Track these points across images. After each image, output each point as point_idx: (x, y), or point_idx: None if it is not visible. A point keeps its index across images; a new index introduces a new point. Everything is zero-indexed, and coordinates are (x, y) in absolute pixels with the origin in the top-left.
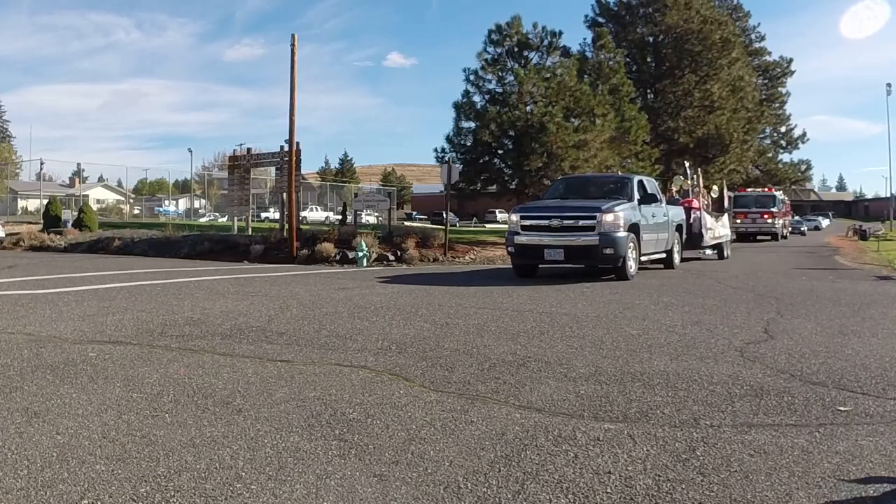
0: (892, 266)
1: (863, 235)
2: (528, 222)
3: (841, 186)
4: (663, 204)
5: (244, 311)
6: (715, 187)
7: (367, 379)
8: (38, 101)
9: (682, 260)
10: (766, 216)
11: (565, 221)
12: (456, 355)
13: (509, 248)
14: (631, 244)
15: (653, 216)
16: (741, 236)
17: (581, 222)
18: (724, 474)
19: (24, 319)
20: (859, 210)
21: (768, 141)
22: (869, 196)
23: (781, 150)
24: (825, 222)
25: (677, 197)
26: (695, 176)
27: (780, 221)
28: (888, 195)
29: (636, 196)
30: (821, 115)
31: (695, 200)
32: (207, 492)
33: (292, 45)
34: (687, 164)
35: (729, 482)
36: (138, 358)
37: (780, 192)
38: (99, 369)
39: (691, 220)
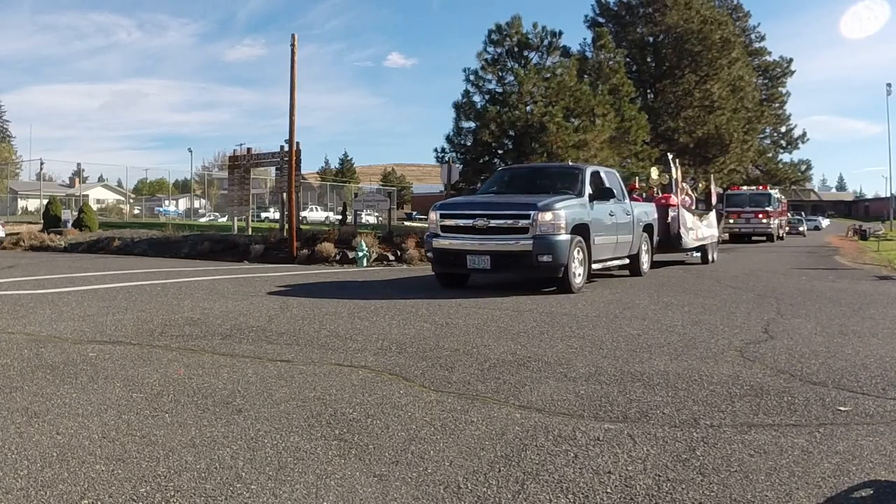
0: (892, 266)
1: (863, 235)
2: (449, 221)
3: (841, 186)
4: (626, 200)
5: (244, 311)
6: (702, 183)
7: (367, 379)
8: (38, 101)
9: (662, 264)
10: (760, 216)
11: (493, 221)
12: (456, 355)
13: (428, 253)
14: (577, 249)
15: (610, 215)
16: (735, 237)
17: (512, 222)
18: (724, 474)
19: (24, 319)
20: (859, 210)
21: (768, 141)
22: (869, 196)
23: (781, 150)
24: (825, 222)
25: (658, 193)
26: (674, 169)
27: (776, 221)
28: (888, 195)
29: (587, 190)
30: (821, 115)
31: (672, 197)
32: (207, 492)
33: (292, 44)
34: (670, 156)
35: (729, 482)
36: (138, 358)
37: (776, 190)
38: (99, 369)
39: (669, 220)
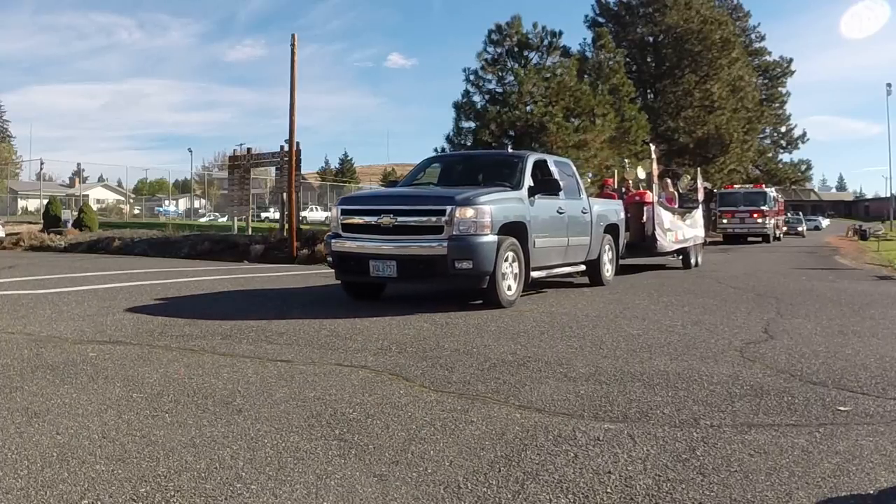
0: (892, 266)
1: (863, 235)
2: (350, 219)
3: (841, 186)
4: (583, 196)
5: (244, 311)
6: (686, 177)
7: (367, 379)
8: (38, 101)
9: (640, 269)
10: (755, 215)
11: (401, 219)
12: (456, 355)
13: (328, 258)
14: (509, 253)
15: (559, 212)
16: (728, 238)
17: (424, 220)
18: (724, 474)
19: (24, 319)
20: (859, 210)
21: (768, 141)
22: (869, 196)
23: (781, 150)
24: (825, 222)
25: (638, 187)
26: (650, 161)
27: (773, 221)
28: (888, 195)
29: (527, 183)
30: (821, 115)
31: (648, 193)
32: (207, 492)
33: (292, 44)
34: (652, 147)
35: (729, 482)
36: (138, 358)
37: (773, 189)
38: (99, 369)
39: (644, 220)
